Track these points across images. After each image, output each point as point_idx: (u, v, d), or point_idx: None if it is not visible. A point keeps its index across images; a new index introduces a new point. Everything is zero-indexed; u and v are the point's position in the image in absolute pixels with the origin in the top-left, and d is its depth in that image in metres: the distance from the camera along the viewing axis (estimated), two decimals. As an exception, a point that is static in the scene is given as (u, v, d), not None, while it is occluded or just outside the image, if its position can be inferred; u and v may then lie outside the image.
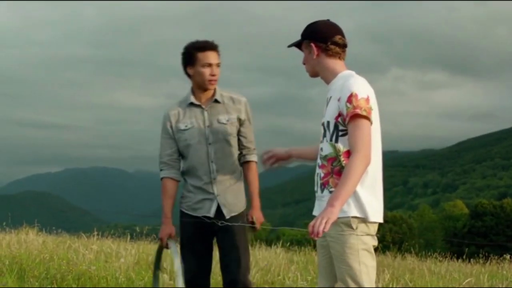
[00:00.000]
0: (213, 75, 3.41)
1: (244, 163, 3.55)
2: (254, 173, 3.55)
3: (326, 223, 2.47)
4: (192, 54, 3.42)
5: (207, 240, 3.53)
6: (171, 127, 3.50)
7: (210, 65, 3.41)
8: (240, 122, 3.49)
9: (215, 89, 3.49)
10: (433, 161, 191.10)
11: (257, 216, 3.50)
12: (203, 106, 3.47)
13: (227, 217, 3.46)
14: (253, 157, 3.54)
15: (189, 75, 3.49)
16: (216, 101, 3.46)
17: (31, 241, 8.03)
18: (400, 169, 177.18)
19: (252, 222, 3.48)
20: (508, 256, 11.31)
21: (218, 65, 3.44)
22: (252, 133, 3.56)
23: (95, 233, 9.52)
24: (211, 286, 3.63)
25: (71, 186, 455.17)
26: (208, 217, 3.46)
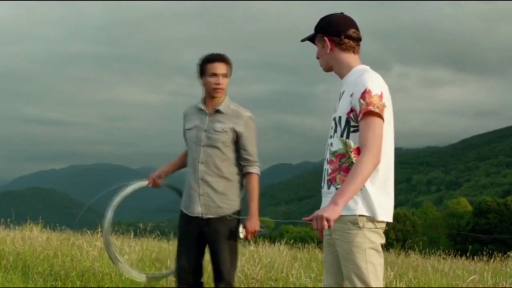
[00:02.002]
0: (217, 84, 3.68)
1: (245, 174, 3.76)
2: (253, 183, 3.74)
3: (327, 222, 2.44)
4: (203, 65, 3.74)
5: (197, 238, 3.74)
6: (184, 124, 3.91)
7: (216, 75, 3.69)
8: (237, 134, 3.70)
9: (224, 100, 3.75)
10: (437, 158, 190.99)
11: (250, 225, 3.66)
12: (207, 112, 3.75)
13: (206, 217, 3.68)
14: (253, 169, 3.74)
15: (203, 85, 3.78)
16: (219, 110, 3.72)
17: (35, 238, 8.05)
18: (404, 166, 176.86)
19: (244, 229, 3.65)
20: (512, 254, 11.29)
21: (224, 75, 3.71)
22: (253, 146, 3.75)
23: (99, 229, 9.53)
24: (205, 286, 3.84)
25: (76, 183, 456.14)
26: (198, 217, 3.72)
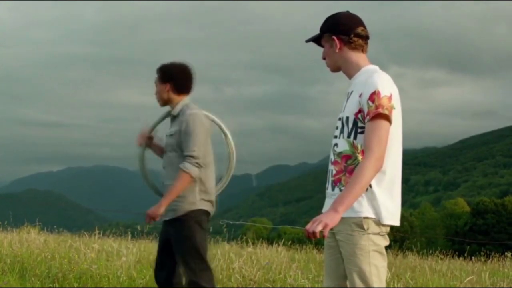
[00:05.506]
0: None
1: None
2: (177, 178, 3.66)
3: (324, 228, 2.40)
4: None
5: (166, 242, 3.82)
6: None
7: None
8: (180, 133, 3.71)
9: (177, 104, 3.81)
10: (434, 159, 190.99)
11: (151, 211, 3.71)
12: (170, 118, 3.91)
13: (163, 219, 3.78)
14: (182, 165, 3.66)
15: None
16: (172, 115, 3.84)
17: (32, 240, 8.04)
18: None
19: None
20: (509, 254, 11.30)
21: (156, 84, 3.87)
22: (189, 142, 3.66)
23: (97, 231, 9.54)
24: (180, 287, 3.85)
25: (73, 185, 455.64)
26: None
